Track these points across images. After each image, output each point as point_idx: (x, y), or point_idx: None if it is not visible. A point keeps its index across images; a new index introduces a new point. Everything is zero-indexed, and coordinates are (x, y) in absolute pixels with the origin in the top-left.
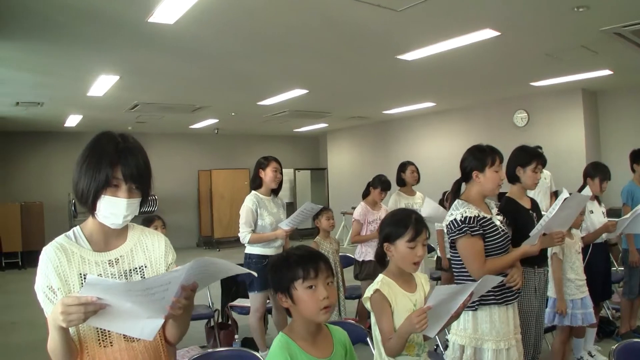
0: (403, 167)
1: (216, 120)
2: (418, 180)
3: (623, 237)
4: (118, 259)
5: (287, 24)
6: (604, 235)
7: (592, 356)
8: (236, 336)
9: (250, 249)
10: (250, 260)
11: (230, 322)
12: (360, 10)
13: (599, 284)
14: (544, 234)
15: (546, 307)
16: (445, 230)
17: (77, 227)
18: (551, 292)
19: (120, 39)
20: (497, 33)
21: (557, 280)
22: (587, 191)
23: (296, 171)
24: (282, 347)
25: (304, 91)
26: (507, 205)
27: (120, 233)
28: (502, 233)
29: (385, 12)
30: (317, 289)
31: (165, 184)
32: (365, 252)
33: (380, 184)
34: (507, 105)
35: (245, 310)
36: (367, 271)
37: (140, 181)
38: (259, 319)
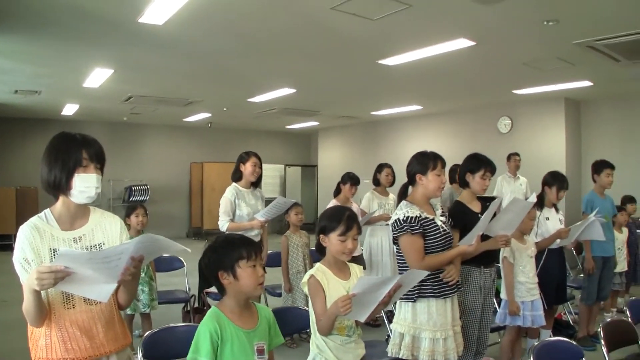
0: (380, 168)
1: (209, 115)
2: (392, 183)
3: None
4: (81, 237)
5: (273, 27)
6: (558, 241)
7: None
8: None
9: None
10: None
11: (205, 307)
12: (339, 18)
13: (553, 288)
14: (489, 237)
15: (499, 307)
16: (390, 229)
17: (48, 209)
18: (503, 294)
19: (112, 36)
20: (472, 42)
21: (508, 282)
22: (533, 198)
23: (287, 167)
24: (212, 317)
25: (292, 90)
26: (456, 208)
27: (84, 215)
28: (443, 232)
29: (362, 21)
30: (256, 268)
31: (158, 174)
32: None
33: (349, 179)
34: (492, 111)
35: (220, 297)
36: None
37: (101, 162)
38: None
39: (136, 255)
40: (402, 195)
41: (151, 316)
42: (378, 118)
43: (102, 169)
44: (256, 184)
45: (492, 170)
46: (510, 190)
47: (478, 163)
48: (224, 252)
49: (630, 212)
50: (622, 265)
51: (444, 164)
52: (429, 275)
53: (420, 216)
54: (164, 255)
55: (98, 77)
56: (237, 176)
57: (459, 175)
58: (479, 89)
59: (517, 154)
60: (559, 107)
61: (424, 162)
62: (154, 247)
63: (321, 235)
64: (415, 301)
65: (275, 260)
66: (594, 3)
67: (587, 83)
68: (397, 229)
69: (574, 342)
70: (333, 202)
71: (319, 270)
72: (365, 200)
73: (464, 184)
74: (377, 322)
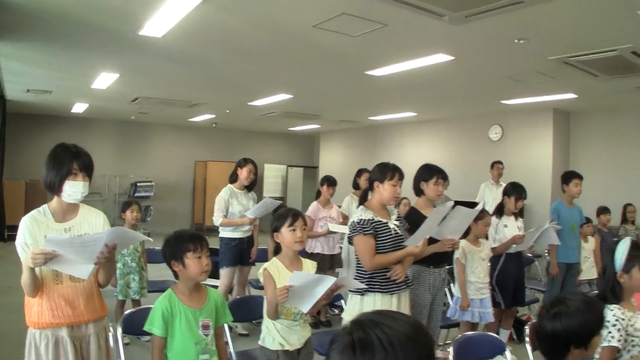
0: (359, 173)
1: (213, 116)
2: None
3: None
4: (70, 228)
5: (262, 42)
6: (514, 246)
7: None
8: None
9: (223, 233)
10: (222, 242)
11: None
12: (322, 34)
13: (511, 290)
14: (435, 240)
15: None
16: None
17: (45, 205)
18: (455, 291)
19: (116, 46)
20: (451, 57)
21: (459, 281)
22: (479, 206)
23: (289, 168)
24: (165, 297)
25: (289, 96)
26: (410, 214)
27: (74, 210)
28: (394, 235)
29: (343, 37)
30: (201, 259)
31: (163, 171)
32: (314, 246)
33: (325, 181)
34: (484, 119)
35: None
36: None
37: (89, 171)
38: (225, 292)
39: (110, 243)
40: (362, 199)
41: (141, 302)
42: (376, 123)
43: (90, 176)
44: (250, 187)
45: (443, 177)
46: (492, 197)
47: (430, 172)
48: (175, 245)
49: (604, 222)
50: (590, 273)
51: (401, 177)
52: (377, 272)
53: (373, 219)
54: (157, 247)
55: (105, 80)
56: (233, 178)
57: (413, 185)
58: (468, 99)
59: (500, 162)
60: (547, 118)
61: (384, 171)
62: (124, 237)
63: (275, 234)
64: (363, 295)
65: (263, 257)
66: (561, 22)
67: (571, 95)
68: (352, 230)
69: (495, 336)
70: (314, 204)
71: (272, 263)
72: (345, 204)
73: (419, 192)
74: (328, 320)
